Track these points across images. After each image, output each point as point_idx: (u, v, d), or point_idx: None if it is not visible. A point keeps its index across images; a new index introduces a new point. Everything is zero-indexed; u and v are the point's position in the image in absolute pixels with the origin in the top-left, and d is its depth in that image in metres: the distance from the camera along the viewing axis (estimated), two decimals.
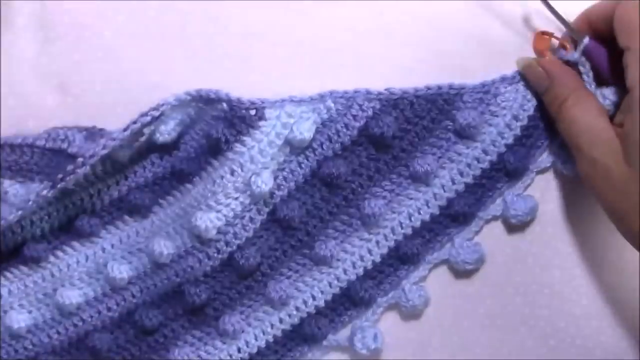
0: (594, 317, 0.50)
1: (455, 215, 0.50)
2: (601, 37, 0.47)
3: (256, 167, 0.48)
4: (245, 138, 0.48)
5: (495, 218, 0.50)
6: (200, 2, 0.51)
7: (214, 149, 0.48)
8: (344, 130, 0.49)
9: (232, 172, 0.48)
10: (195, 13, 0.51)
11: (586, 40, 0.47)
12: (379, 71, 0.50)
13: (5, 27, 0.50)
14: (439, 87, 0.49)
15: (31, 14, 0.51)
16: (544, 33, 0.49)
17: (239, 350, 0.50)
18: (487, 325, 0.50)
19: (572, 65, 0.48)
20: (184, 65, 0.50)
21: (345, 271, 0.50)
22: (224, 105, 0.48)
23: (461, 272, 0.50)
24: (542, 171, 0.50)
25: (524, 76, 0.49)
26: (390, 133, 0.48)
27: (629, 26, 0.43)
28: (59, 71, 0.50)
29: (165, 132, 0.48)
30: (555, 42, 0.49)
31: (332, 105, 0.49)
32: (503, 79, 0.49)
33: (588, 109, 0.45)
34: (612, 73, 0.47)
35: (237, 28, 0.51)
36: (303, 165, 0.49)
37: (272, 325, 0.51)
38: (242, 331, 0.50)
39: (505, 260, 0.51)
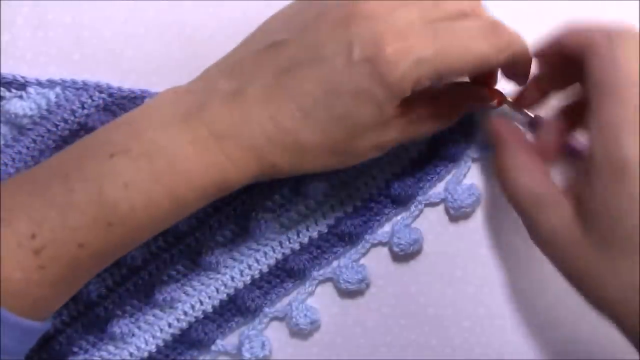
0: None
1: (342, 235, 0.51)
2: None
3: None
4: None
5: (382, 244, 0.51)
6: (201, 2, 0.52)
7: None
8: None
9: None
10: (195, 13, 0.52)
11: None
12: None
13: (5, 27, 0.51)
14: None
15: (31, 14, 0.51)
16: None
17: (130, 355, 0.51)
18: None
19: None
20: (184, 65, 0.50)
21: (232, 278, 0.51)
22: (105, 95, 0.50)
23: (347, 292, 0.51)
24: (431, 204, 0.51)
25: None
26: None
27: (603, 88, 0.39)
28: (59, 71, 0.51)
29: (22, 107, 0.50)
30: None
31: None
32: None
33: (531, 172, 0.43)
34: None
35: (237, 28, 0.50)
36: None
37: (161, 330, 0.51)
38: (132, 334, 0.51)
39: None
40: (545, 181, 0.43)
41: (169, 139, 0.41)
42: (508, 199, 0.44)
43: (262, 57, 0.42)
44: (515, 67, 0.45)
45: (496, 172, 0.45)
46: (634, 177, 0.38)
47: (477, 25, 0.42)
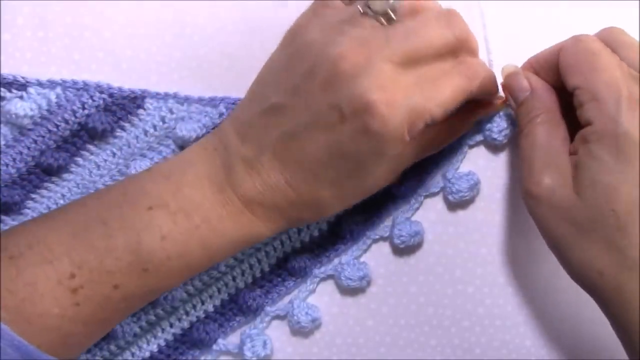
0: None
1: (344, 232, 0.51)
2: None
3: (132, 152, 0.50)
4: (124, 124, 0.50)
5: (383, 239, 0.51)
6: (200, 2, 0.52)
7: (93, 137, 0.50)
8: None
9: (114, 155, 0.51)
10: (195, 13, 0.51)
11: None
12: None
13: (5, 27, 0.51)
14: None
15: (31, 14, 0.51)
16: None
17: (132, 355, 0.51)
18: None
19: None
20: (184, 65, 0.51)
21: (234, 278, 0.51)
22: (105, 95, 0.50)
23: (348, 290, 0.51)
24: (431, 195, 0.51)
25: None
26: None
27: (573, 67, 0.43)
28: (59, 71, 0.51)
29: (23, 108, 0.50)
30: None
31: (224, 110, 0.50)
32: None
33: (555, 132, 0.44)
34: None
35: (236, 28, 0.51)
36: None
37: (162, 329, 0.52)
38: (134, 334, 0.51)
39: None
40: (563, 145, 0.44)
41: (203, 198, 0.44)
42: (521, 146, 0.45)
43: (266, 120, 0.44)
44: (485, 89, 0.47)
45: (519, 117, 0.46)
46: (634, 155, 0.40)
47: (450, 63, 0.44)
